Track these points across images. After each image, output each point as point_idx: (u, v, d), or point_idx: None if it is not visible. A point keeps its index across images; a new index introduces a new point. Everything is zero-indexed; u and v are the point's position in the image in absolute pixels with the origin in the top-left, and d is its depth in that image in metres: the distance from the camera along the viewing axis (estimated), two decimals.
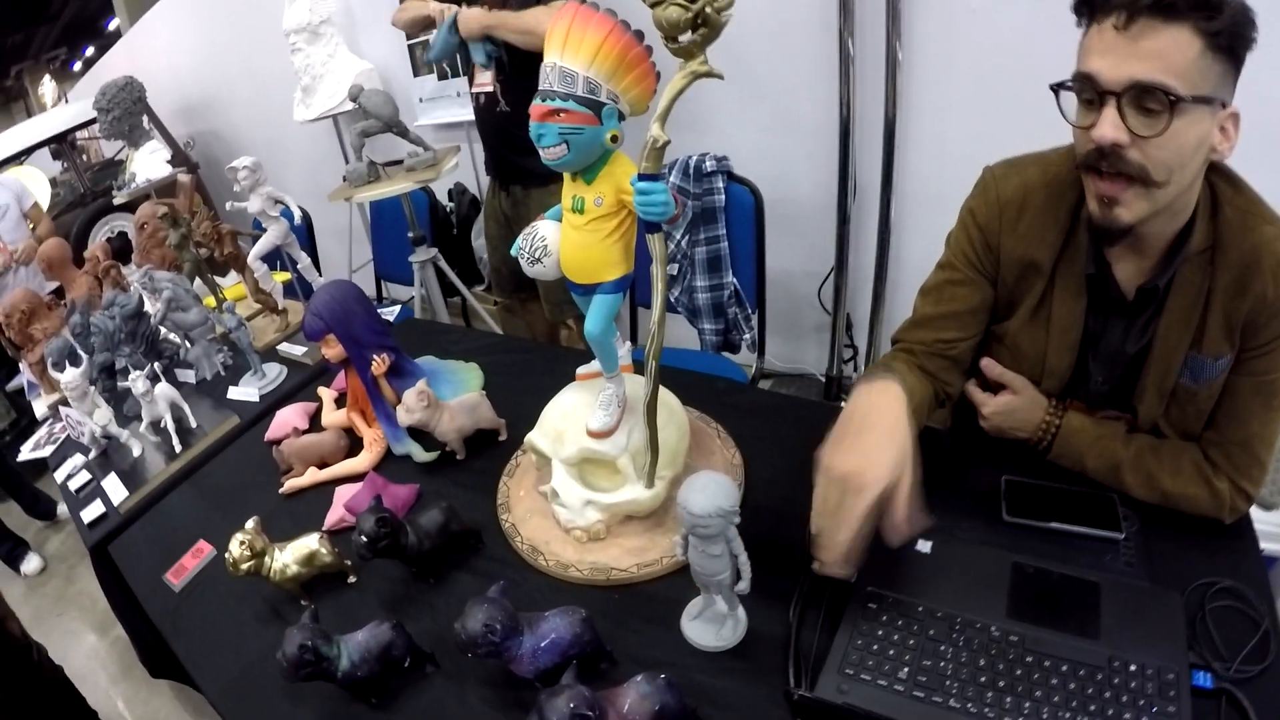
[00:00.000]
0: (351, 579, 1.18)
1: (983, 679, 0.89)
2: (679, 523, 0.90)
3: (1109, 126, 0.89)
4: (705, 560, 0.91)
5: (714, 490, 0.86)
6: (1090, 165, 0.95)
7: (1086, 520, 1.08)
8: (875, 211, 2.50)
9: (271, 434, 1.55)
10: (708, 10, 0.82)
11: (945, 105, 2.33)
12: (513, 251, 1.09)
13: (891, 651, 0.93)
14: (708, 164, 2.09)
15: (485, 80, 2.32)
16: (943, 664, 0.91)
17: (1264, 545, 1.36)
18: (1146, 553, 1.04)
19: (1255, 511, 1.76)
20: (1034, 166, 1.14)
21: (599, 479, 1.16)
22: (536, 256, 1.06)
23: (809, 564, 1.04)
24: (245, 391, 1.78)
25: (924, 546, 1.06)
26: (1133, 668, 0.87)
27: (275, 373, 1.82)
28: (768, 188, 2.13)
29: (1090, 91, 0.91)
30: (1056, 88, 0.95)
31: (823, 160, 2.50)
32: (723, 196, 2.10)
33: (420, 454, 1.37)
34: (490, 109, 2.35)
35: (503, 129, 2.36)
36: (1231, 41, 0.87)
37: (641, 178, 0.92)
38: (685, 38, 0.85)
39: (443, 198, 3.25)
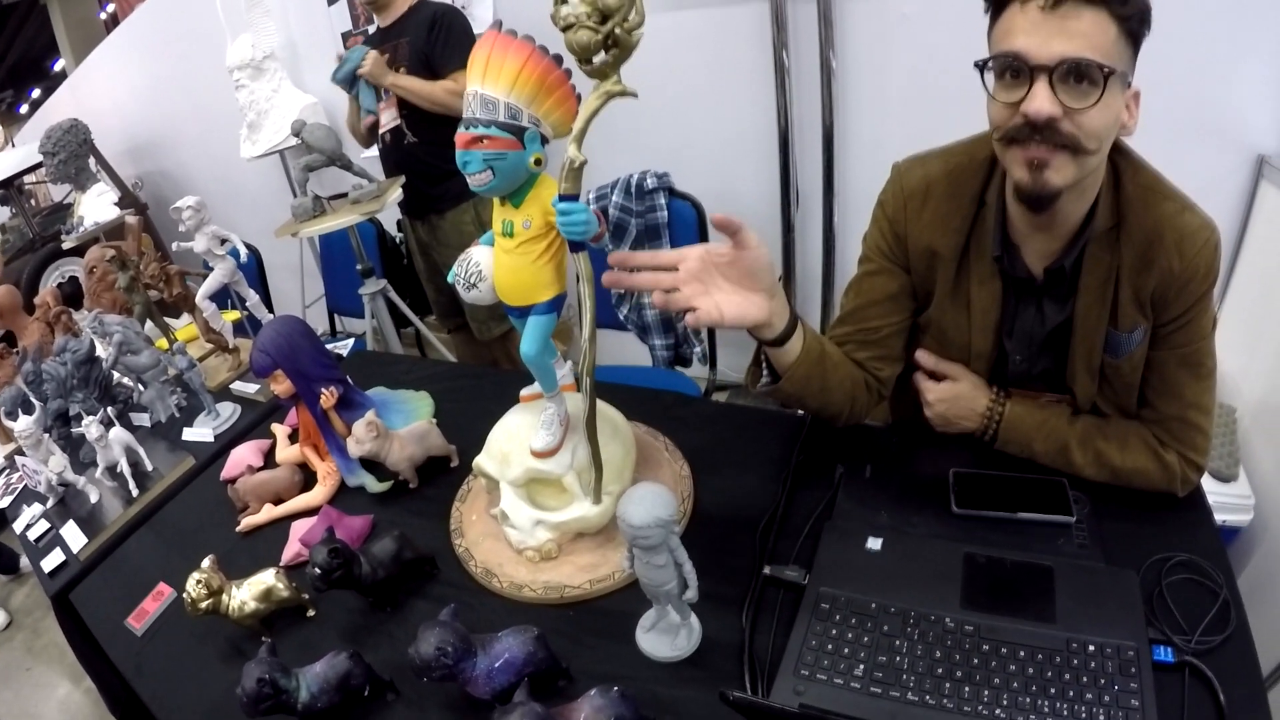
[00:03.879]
0: (310, 612, 1.18)
1: (940, 671, 0.90)
2: (623, 537, 0.91)
3: (1044, 100, 0.92)
4: (651, 571, 0.92)
5: (651, 501, 0.87)
6: (1016, 138, 0.97)
7: (1037, 506, 1.10)
8: (819, 218, 2.56)
9: (227, 473, 1.55)
10: (617, 31, 0.83)
11: (882, 110, 2.39)
12: (449, 279, 1.11)
13: (846, 650, 0.94)
14: (649, 181, 2.11)
15: (390, 118, 2.47)
16: (899, 659, 0.92)
17: (1222, 517, 1.39)
18: (1100, 534, 1.06)
19: (1213, 484, 1.81)
20: (937, 158, 1.19)
21: (547, 498, 1.17)
22: (472, 282, 1.08)
23: (760, 570, 1.06)
24: (200, 432, 1.77)
25: (874, 544, 1.07)
26: (1091, 648, 0.89)
27: (229, 412, 1.81)
28: (711, 201, 2.15)
29: (1018, 68, 0.94)
30: (981, 66, 0.98)
31: (764, 171, 2.56)
32: (665, 213, 2.13)
33: (373, 484, 1.38)
34: (398, 144, 2.49)
35: (414, 160, 2.50)
36: (1138, 26, 0.93)
37: (562, 198, 0.94)
38: (598, 59, 0.87)
39: (391, 228, 3.26)
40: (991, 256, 1.13)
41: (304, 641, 1.14)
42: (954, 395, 1.20)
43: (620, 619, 1.06)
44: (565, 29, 0.85)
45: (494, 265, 1.07)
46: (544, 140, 0.99)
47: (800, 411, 1.32)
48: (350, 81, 2.46)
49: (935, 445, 1.24)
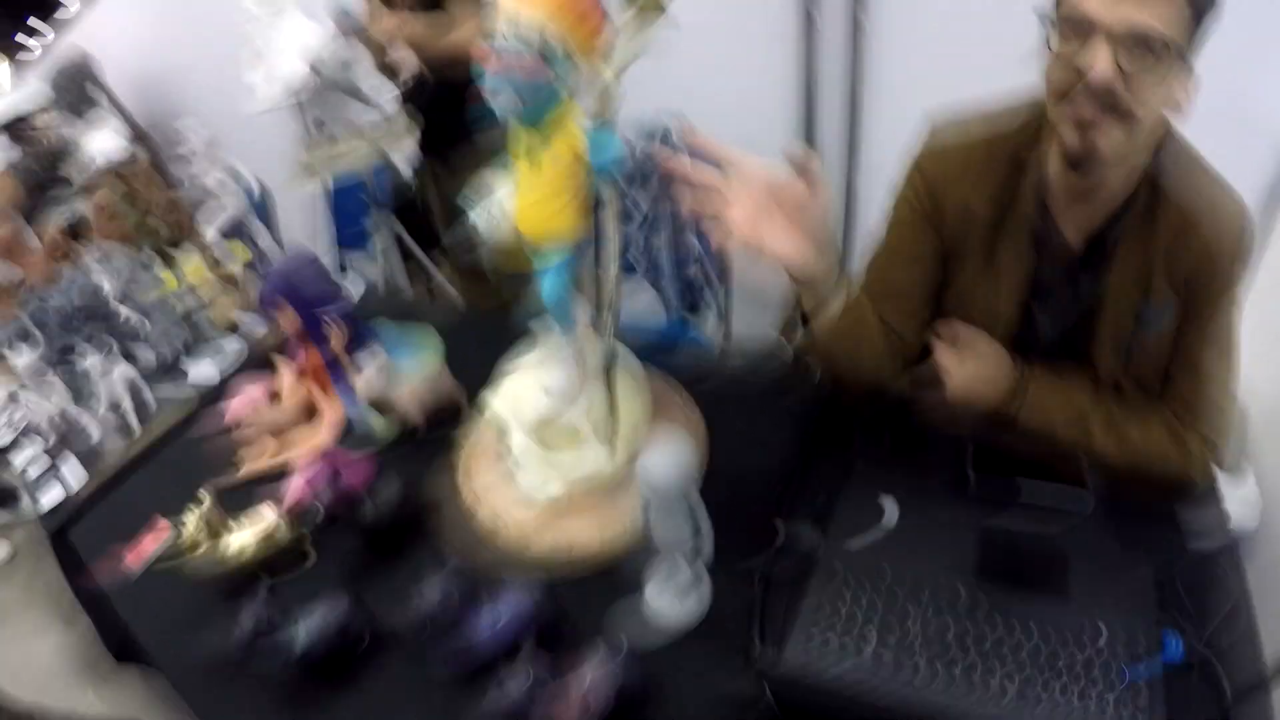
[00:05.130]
0: (310, 558, 1.15)
1: (951, 645, 0.89)
2: (640, 491, 0.88)
3: (1106, 65, 0.90)
4: (666, 529, 0.89)
5: (673, 455, 0.85)
6: (1067, 99, 0.96)
7: (1053, 485, 1.08)
8: (839, 182, 2.50)
9: (231, 412, 1.51)
10: None
11: (912, 76, 2.32)
12: (469, 216, 1.07)
13: (859, 619, 0.92)
14: (664, 128, 2.04)
15: (409, 65, 2.36)
16: (911, 630, 0.91)
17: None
18: (1115, 519, 1.05)
19: (1222, 486, 1.81)
20: (978, 121, 1.16)
21: (560, 447, 1.14)
22: (492, 219, 1.04)
23: (775, 533, 1.03)
24: (204, 370, 1.74)
25: (890, 512, 1.06)
26: (1103, 637, 0.88)
27: (235, 350, 1.78)
28: None
29: (1084, 29, 0.92)
30: (1046, 19, 0.96)
31: (784, 128, 2.50)
32: (686, 157, 2.06)
33: (380, 427, 1.34)
34: (421, 86, 2.38)
35: (436, 99, 2.40)
36: (1207, 8, 0.92)
37: (594, 123, 0.91)
38: None
39: (403, 170, 3.18)
40: (1028, 224, 1.12)
41: (302, 587, 1.10)
42: (976, 373, 1.17)
43: (629, 577, 1.02)
44: None
45: (515, 199, 1.03)
46: (575, 68, 0.94)
47: (820, 373, 1.29)
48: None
49: (954, 418, 1.20)
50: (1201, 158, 1.08)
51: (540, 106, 0.95)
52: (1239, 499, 1.85)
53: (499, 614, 0.90)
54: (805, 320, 1.12)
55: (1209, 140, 1.11)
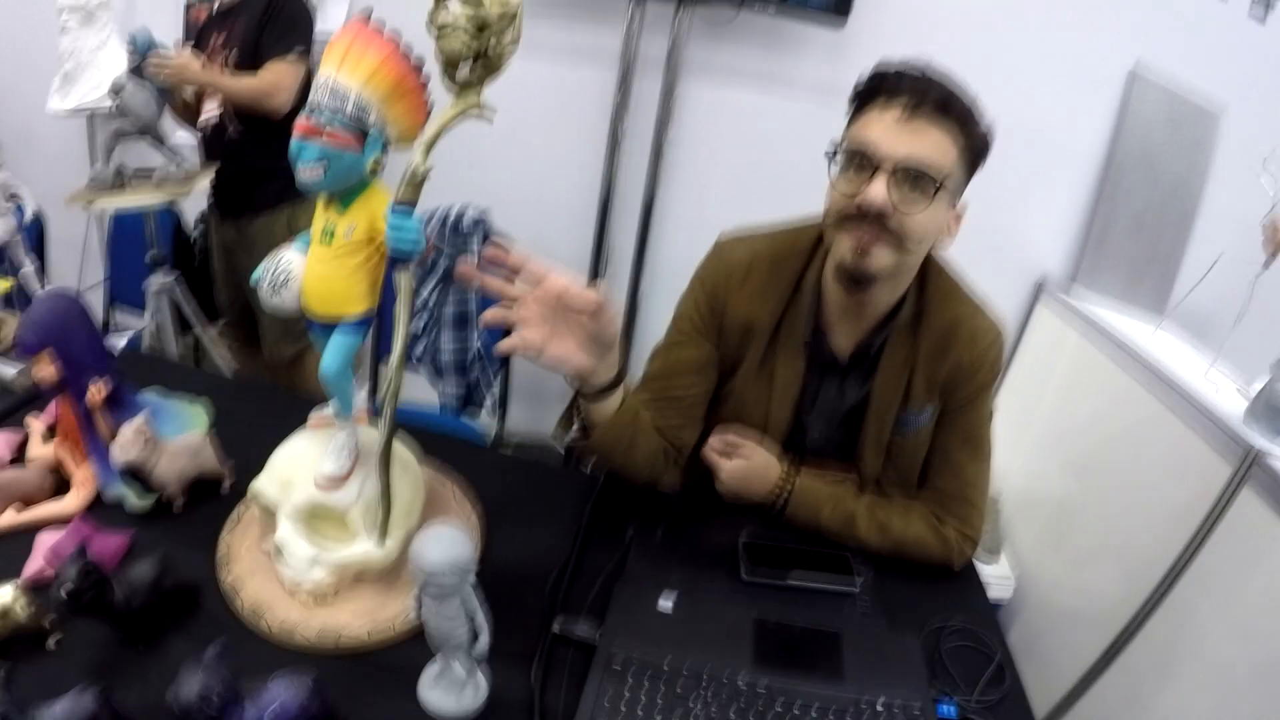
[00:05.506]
0: (52, 640, 1.01)
1: None
2: (413, 581, 0.85)
3: (880, 192, 1.01)
4: (440, 620, 0.86)
5: (449, 544, 0.83)
6: (848, 223, 1.07)
7: (823, 575, 1.15)
8: (625, 286, 2.71)
9: None
10: (490, 46, 0.82)
11: (704, 191, 2.61)
12: (253, 278, 1.01)
13: (640, 711, 0.93)
14: (466, 222, 2.06)
15: (211, 109, 2.26)
16: (693, 718, 0.92)
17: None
18: (882, 601, 1.14)
19: (978, 562, 2.08)
20: (762, 238, 1.26)
21: (327, 533, 1.08)
22: (278, 285, 0.99)
23: (550, 626, 1.03)
24: None
25: (666, 604, 1.08)
26: (880, 706, 0.94)
27: None
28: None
29: (862, 161, 1.04)
30: (831, 154, 1.08)
31: (580, 232, 2.68)
32: (476, 257, 2.08)
33: (134, 499, 1.21)
34: (220, 135, 2.29)
35: (235, 154, 2.31)
36: (975, 155, 1.06)
37: (396, 208, 0.89)
38: (464, 72, 0.85)
39: (191, 222, 2.96)
40: (802, 336, 1.21)
41: (42, 675, 0.96)
42: (746, 472, 1.25)
43: (402, 670, 0.98)
44: (439, 33, 0.82)
45: (305, 271, 0.99)
46: (385, 147, 0.93)
47: (594, 468, 1.32)
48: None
49: (726, 511, 1.27)
50: (962, 280, 1.21)
51: (343, 178, 0.92)
52: (995, 575, 2.14)
53: (263, 709, 0.83)
54: (582, 418, 1.14)
55: (975, 269, 1.26)
